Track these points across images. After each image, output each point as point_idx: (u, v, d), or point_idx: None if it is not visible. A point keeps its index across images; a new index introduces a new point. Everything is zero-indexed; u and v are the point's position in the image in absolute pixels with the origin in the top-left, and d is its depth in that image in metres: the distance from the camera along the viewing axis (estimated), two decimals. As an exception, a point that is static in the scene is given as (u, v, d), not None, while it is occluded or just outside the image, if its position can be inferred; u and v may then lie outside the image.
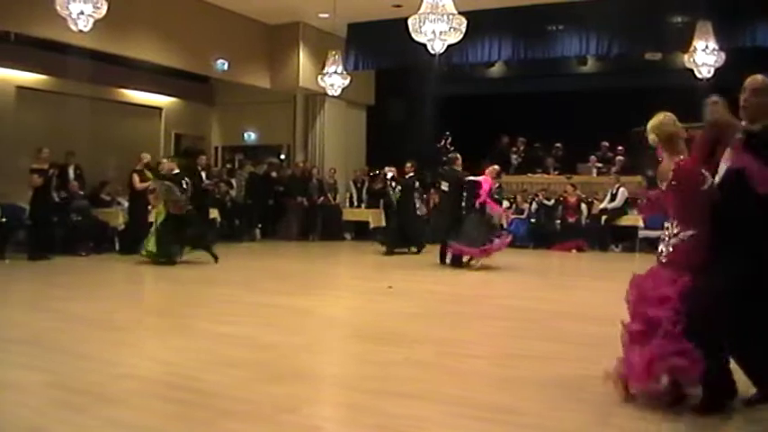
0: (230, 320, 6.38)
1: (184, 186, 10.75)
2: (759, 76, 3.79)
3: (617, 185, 13.99)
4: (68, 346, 5.25)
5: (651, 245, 13.01)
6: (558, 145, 15.92)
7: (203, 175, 13.29)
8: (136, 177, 11.98)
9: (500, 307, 7.49)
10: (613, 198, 13.92)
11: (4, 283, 8.57)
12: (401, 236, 12.69)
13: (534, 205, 14.79)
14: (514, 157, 16.35)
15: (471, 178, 10.97)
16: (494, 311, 7.23)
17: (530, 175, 15.72)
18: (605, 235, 13.92)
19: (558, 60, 15.17)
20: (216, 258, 10.62)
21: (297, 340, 5.61)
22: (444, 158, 15.87)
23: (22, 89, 13.10)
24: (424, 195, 15.17)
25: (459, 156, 11.59)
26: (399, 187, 12.73)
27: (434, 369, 4.77)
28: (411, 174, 12.69)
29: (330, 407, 4.14)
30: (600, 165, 15.34)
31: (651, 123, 3.95)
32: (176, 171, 10.83)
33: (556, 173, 15.92)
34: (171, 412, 3.83)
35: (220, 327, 6.05)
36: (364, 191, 16.55)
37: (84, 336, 5.65)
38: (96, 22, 9.79)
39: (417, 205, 14.12)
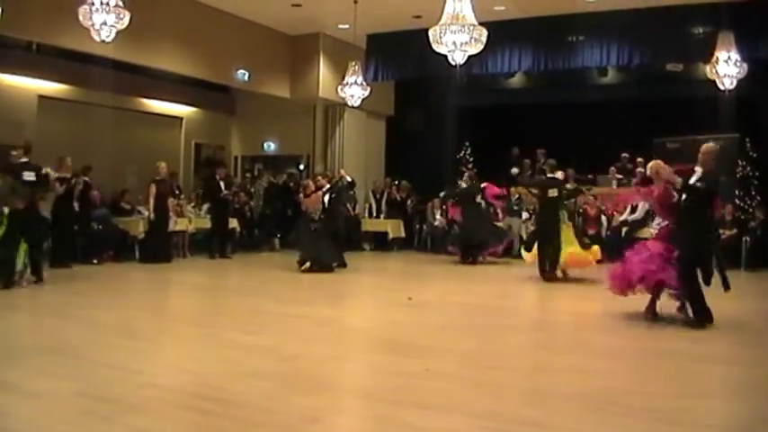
0: (254, 330, 6.41)
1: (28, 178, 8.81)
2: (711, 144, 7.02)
3: (637, 197, 13.85)
4: (94, 355, 5.28)
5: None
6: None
7: (222, 185, 13.33)
8: (153, 188, 12.08)
9: (524, 318, 7.48)
10: (634, 210, 13.80)
11: (28, 291, 8.65)
12: (317, 249, 11.37)
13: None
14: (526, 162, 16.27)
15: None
16: (517, 323, 7.22)
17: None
18: (626, 247, 13.72)
19: (578, 71, 15.09)
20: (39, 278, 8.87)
21: (320, 351, 5.62)
22: (463, 169, 16.05)
23: (44, 98, 13.24)
24: (443, 207, 15.20)
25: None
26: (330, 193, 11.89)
27: (460, 381, 4.76)
28: (348, 179, 12.46)
29: (354, 418, 4.12)
30: (620, 176, 15.22)
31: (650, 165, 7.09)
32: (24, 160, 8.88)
33: (575, 184, 15.81)
34: (195, 422, 3.84)
35: (244, 336, 6.08)
36: (383, 201, 16.58)
37: (108, 344, 5.68)
38: (119, 32, 9.87)
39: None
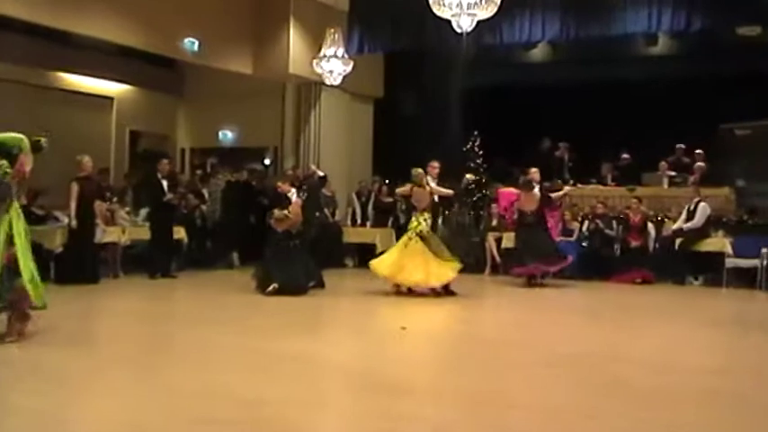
0: (207, 369, 6.40)
1: None
2: None
3: (696, 200, 13.95)
4: (18, 401, 5.30)
5: (742, 277, 13.02)
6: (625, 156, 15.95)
7: (165, 185, 13.28)
8: (75, 187, 12.03)
9: (542, 352, 7.45)
10: (691, 216, 13.86)
11: None
12: (288, 267, 11.36)
13: (587, 225, 14.77)
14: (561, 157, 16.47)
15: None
16: (534, 357, 7.22)
17: (580, 186, 15.70)
18: (680, 263, 13.87)
19: (619, 40, 15.21)
20: None
21: (290, 393, 5.63)
22: (471, 164, 16.10)
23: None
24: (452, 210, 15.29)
25: None
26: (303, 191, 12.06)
27: (464, 427, 4.79)
28: (320, 174, 12.48)
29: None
30: (673, 173, 15.32)
31: None
32: None
33: (614, 183, 15.98)
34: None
35: (195, 377, 6.09)
36: (370, 206, 16.59)
37: (21, 389, 5.64)
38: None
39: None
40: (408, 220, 11.82)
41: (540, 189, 12.99)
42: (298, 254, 11.37)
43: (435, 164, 12.01)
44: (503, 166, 16.68)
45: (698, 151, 15.25)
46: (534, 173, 13.19)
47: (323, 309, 10.69)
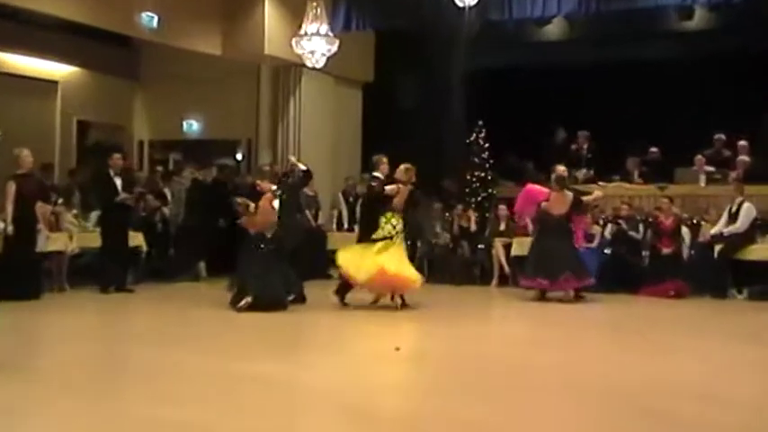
0: (171, 398, 6.39)
1: None
2: None
3: (739, 200, 13.84)
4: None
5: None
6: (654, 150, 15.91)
7: (119, 183, 13.16)
8: (12, 186, 11.89)
9: (561, 378, 7.41)
10: (733, 218, 13.77)
11: None
12: (264, 278, 11.38)
13: (610, 229, 14.69)
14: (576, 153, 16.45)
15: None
16: (552, 384, 7.18)
17: (602, 184, 15.64)
18: (721, 274, 13.76)
19: (647, 14, 15.19)
20: None
21: (265, 425, 5.65)
22: (475, 159, 16.09)
23: None
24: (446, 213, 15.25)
25: None
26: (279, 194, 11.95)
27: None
28: (302, 167, 12.36)
29: None
30: (711, 168, 15.28)
31: None
32: None
33: (642, 181, 15.94)
34: None
35: (156, 408, 6.07)
36: (358, 207, 16.50)
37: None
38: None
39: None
40: (407, 223, 11.94)
41: (573, 192, 12.91)
42: (274, 262, 11.32)
43: (384, 159, 11.98)
44: (513, 162, 16.63)
45: (741, 143, 15.21)
46: (562, 171, 13.04)
47: (302, 326, 10.68)
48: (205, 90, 17.05)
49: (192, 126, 17.62)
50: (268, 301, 10.99)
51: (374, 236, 11.48)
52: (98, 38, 15.70)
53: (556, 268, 12.50)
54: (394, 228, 11.47)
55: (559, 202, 12.68)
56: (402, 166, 11.66)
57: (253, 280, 11.13)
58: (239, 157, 17.22)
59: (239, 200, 11.65)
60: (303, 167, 12.29)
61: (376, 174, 11.87)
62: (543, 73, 16.65)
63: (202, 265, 15.28)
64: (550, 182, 13.07)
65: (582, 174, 16.25)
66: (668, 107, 15.20)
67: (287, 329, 10.18)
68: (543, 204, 12.94)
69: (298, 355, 8.81)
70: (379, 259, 11.22)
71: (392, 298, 11.59)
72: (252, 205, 11.48)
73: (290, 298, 11.43)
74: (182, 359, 7.97)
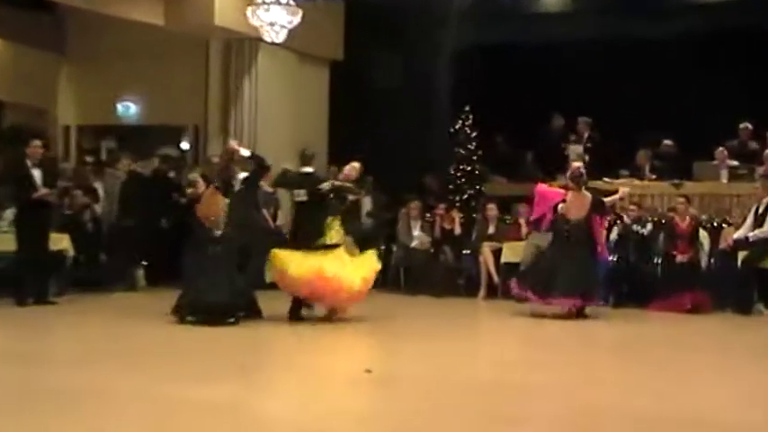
0: (103, 426, 6.32)
1: None
2: None
3: (766, 199, 13.86)
4: None
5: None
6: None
7: (37, 176, 12.99)
8: None
9: (566, 405, 7.36)
10: (760, 221, 13.77)
11: None
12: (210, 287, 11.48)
13: (617, 231, 14.69)
14: (577, 148, 16.40)
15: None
16: (555, 412, 7.11)
17: (607, 180, 15.66)
18: (745, 285, 13.78)
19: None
20: None
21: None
22: (461, 151, 16.04)
23: None
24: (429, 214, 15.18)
25: None
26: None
27: None
28: (245, 154, 12.21)
29: None
30: (735, 163, 15.31)
31: None
32: None
33: (654, 177, 15.93)
34: None
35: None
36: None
37: None
38: None
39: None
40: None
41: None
42: (221, 266, 11.31)
43: (357, 165, 12.53)
44: (503, 149, 16.59)
45: (772, 132, 15.23)
46: (578, 167, 12.88)
47: (255, 342, 10.69)
48: (144, 67, 17.05)
49: (129, 109, 17.65)
50: (206, 309, 11.01)
51: (320, 242, 11.59)
52: (16, 2, 15.57)
53: (562, 285, 12.32)
54: (337, 233, 11.69)
55: (578, 204, 12.52)
56: (354, 164, 12.10)
57: (193, 290, 11.15)
58: (185, 146, 17.10)
59: (191, 176, 11.52)
60: (246, 153, 12.07)
61: (307, 169, 11.97)
62: (540, 51, 16.80)
63: (140, 272, 15.26)
64: (556, 180, 13.04)
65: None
66: (685, 91, 15.26)
67: (236, 346, 10.15)
68: (560, 207, 12.74)
69: (248, 375, 8.65)
70: (320, 260, 11.33)
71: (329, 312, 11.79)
72: (200, 182, 11.37)
73: (241, 313, 11.37)
74: (111, 382, 7.88)
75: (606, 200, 12.85)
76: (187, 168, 16.35)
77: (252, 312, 11.60)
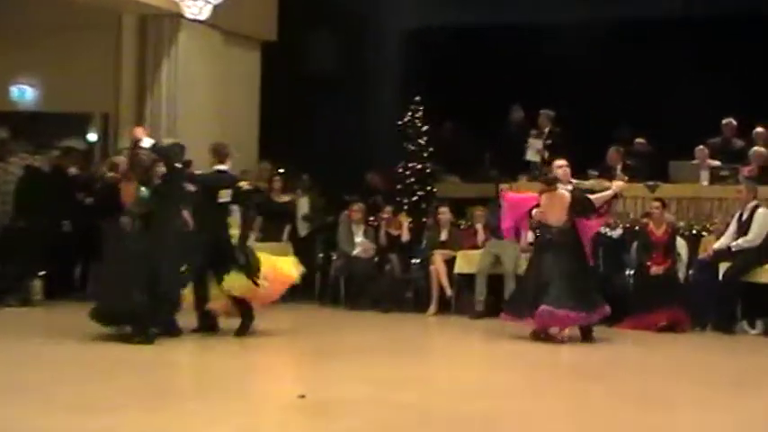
0: None
1: None
2: None
3: (752, 204, 14.00)
4: None
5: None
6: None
7: None
8: None
9: None
10: (744, 228, 13.95)
11: None
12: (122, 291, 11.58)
13: (583, 240, 14.77)
14: (537, 143, 16.58)
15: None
16: None
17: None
18: (728, 300, 13.92)
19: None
20: None
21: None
22: (410, 146, 16.13)
23: None
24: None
25: None
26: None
27: None
28: (179, 161, 12.33)
29: None
30: (717, 163, 15.44)
31: None
32: None
33: (627, 178, 15.96)
34: None
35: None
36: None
37: None
38: None
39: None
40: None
41: (573, 190, 12.63)
42: (137, 266, 11.32)
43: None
44: (460, 147, 16.70)
45: (758, 129, 15.37)
46: (562, 167, 12.83)
47: (179, 366, 10.75)
48: (45, 46, 16.96)
49: (25, 94, 17.44)
50: (108, 313, 11.16)
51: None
52: None
53: (557, 295, 12.06)
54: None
55: (555, 207, 12.33)
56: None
57: (106, 295, 11.23)
58: (92, 137, 17.04)
59: (114, 158, 11.56)
60: (148, 142, 12.02)
61: (221, 167, 12.08)
62: (500, 35, 16.91)
63: (36, 283, 15.01)
64: (517, 180, 13.09)
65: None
66: (662, 81, 15.35)
67: (155, 368, 10.08)
68: (534, 212, 12.59)
69: (168, 402, 8.64)
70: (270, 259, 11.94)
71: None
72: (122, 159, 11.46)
73: (156, 331, 11.39)
74: (9, 415, 7.71)
75: (594, 197, 12.63)
76: (95, 164, 16.26)
77: (169, 330, 11.59)
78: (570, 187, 12.61)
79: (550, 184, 12.40)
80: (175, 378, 10.03)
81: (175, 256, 12.01)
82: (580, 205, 12.36)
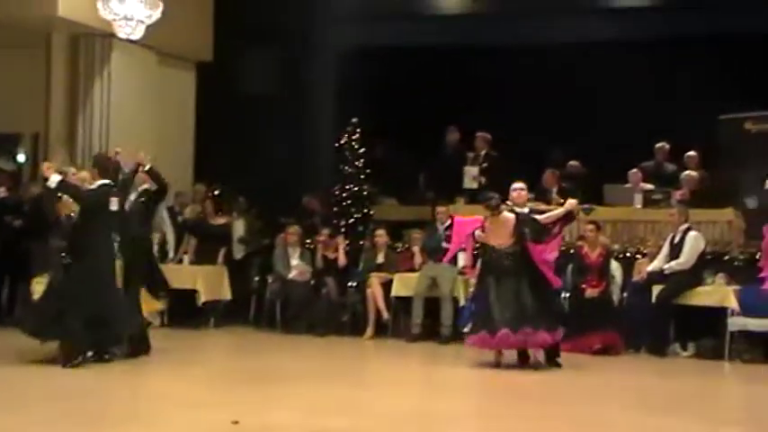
0: None
1: None
2: None
3: (684, 227, 14.11)
4: None
5: (755, 346, 13.23)
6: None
7: None
8: None
9: None
10: (676, 251, 14.05)
11: None
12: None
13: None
14: (472, 170, 16.62)
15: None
16: None
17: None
18: (660, 323, 14.01)
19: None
20: None
21: None
22: (347, 168, 16.10)
23: None
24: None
25: None
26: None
27: None
28: (145, 183, 12.34)
29: None
30: (650, 186, 15.56)
31: None
32: None
33: (562, 201, 16.01)
34: None
35: None
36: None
37: None
38: None
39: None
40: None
41: (518, 213, 12.25)
42: (73, 291, 11.24)
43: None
44: (397, 170, 16.70)
45: (689, 154, 15.52)
46: (516, 189, 12.58)
47: (109, 391, 10.49)
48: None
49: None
50: (33, 327, 11.16)
51: None
52: None
53: (499, 318, 11.90)
54: None
55: (497, 231, 12.17)
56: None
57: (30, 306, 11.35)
58: (21, 158, 16.88)
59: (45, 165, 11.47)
60: (54, 178, 11.71)
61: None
62: (438, 55, 16.86)
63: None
64: (454, 202, 13.07)
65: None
66: (595, 103, 15.41)
67: (87, 397, 9.95)
68: (477, 234, 12.52)
69: (97, 430, 8.55)
70: None
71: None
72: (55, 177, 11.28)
73: (90, 354, 11.28)
74: None
75: (542, 217, 12.39)
76: (23, 185, 16.09)
77: (100, 353, 11.45)
78: (527, 210, 12.44)
79: (494, 209, 12.09)
80: (105, 405, 9.76)
81: (110, 280, 11.84)
82: (527, 227, 12.10)
